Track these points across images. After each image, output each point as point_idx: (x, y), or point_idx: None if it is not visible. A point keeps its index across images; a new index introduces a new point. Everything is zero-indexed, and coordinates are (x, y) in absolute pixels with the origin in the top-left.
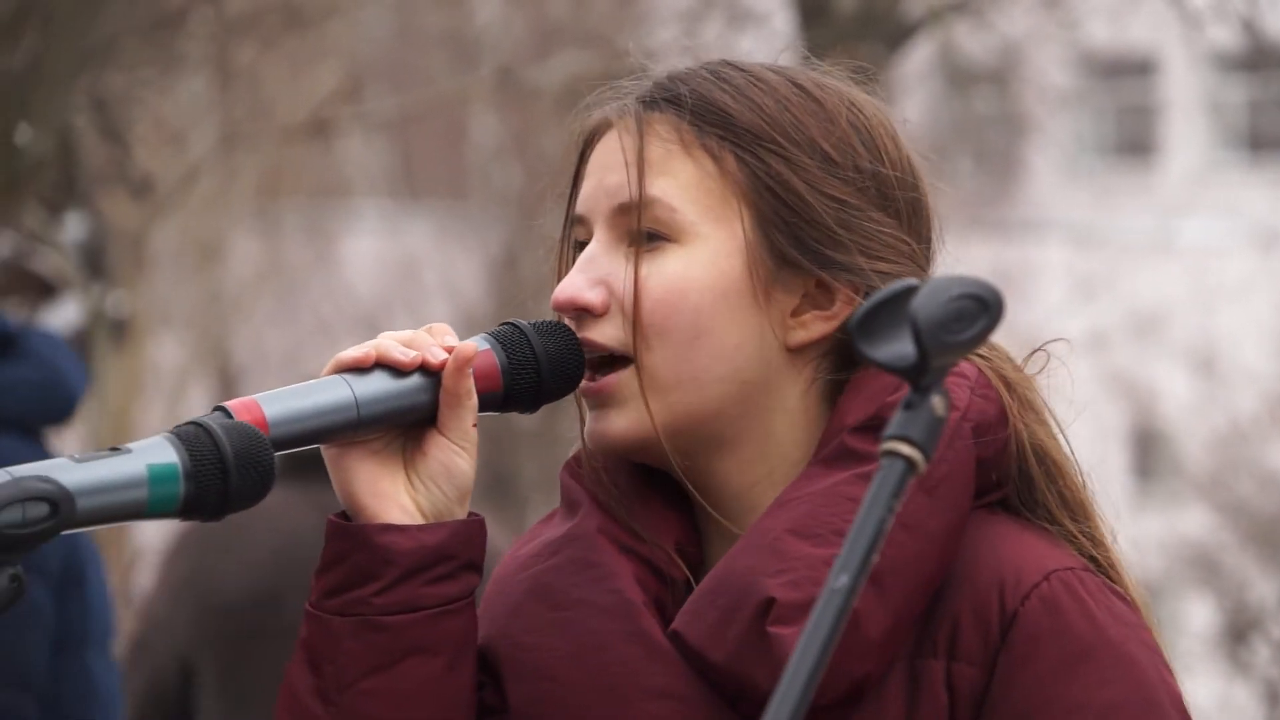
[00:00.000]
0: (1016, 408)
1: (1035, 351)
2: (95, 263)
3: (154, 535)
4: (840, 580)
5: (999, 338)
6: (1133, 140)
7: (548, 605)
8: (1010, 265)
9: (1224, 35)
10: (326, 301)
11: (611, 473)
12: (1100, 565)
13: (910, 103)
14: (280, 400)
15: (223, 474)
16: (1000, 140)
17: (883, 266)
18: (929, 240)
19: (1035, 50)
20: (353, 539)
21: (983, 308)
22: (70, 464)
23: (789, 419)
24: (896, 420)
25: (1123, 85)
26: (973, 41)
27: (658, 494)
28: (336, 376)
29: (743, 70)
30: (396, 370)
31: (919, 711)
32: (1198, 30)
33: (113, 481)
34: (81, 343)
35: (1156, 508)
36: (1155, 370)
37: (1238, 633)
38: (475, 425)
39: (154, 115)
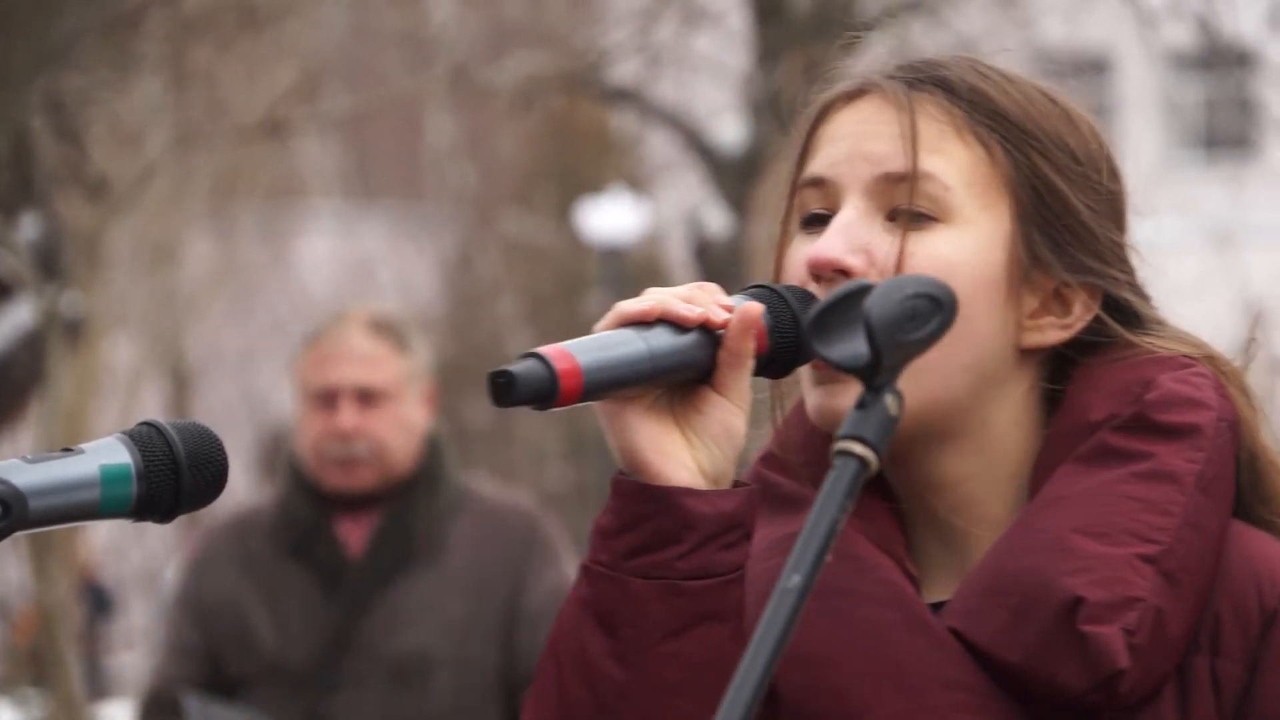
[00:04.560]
0: (1244, 405)
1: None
2: (50, 264)
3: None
4: (793, 580)
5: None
6: None
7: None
8: None
9: (1179, 34)
10: (281, 301)
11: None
12: None
13: None
14: (589, 351)
15: (175, 474)
16: None
17: (1123, 276)
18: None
19: (990, 49)
20: (657, 501)
21: (936, 307)
22: (23, 465)
23: (1010, 418)
24: (849, 420)
25: (1078, 84)
26: (928, 40)
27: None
28: (627, 330)
29: (992, 66)
30: (677, 326)
31: (1192, 709)
32: (1153, 29)
33: (65, 482)
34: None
35: None
36: None
37: None
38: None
39: (110, 116)
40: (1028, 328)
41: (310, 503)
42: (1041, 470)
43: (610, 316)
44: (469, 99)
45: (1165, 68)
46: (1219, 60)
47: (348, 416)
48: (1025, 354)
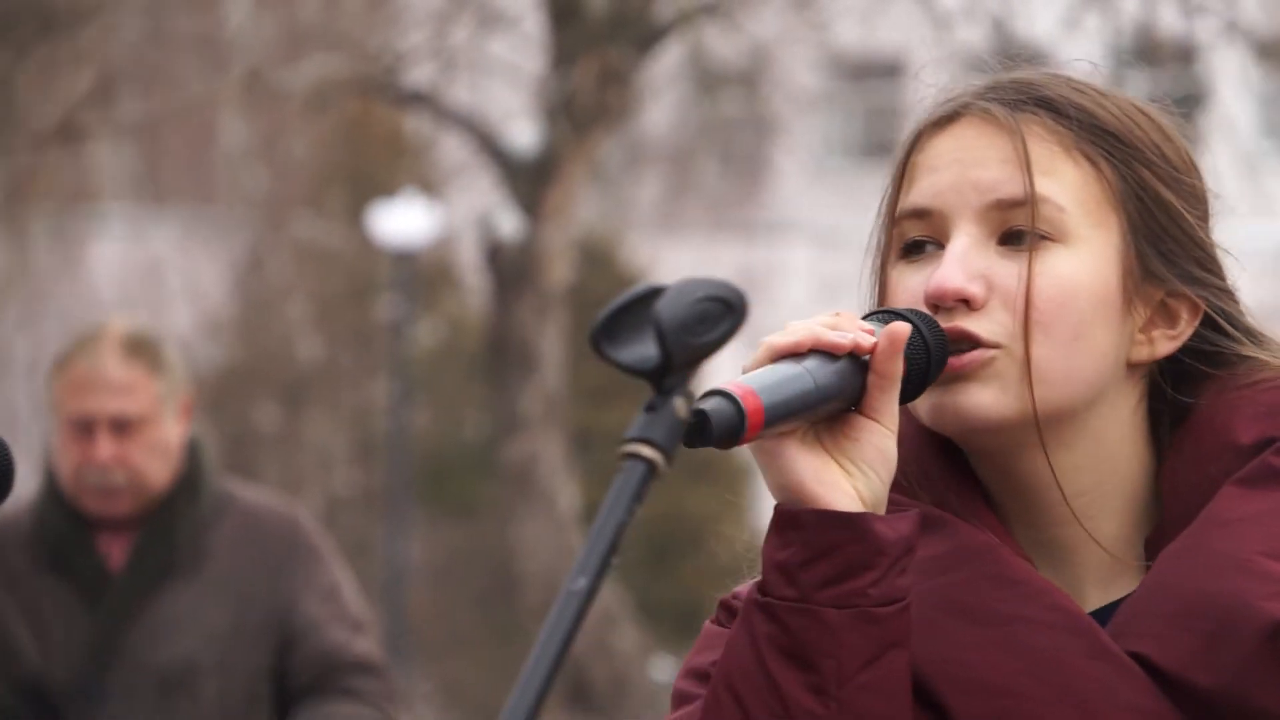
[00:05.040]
0: None
1: None
2: None
3: None
4: (578, 583)
5: (742, 340)
6: (880, 142)
7: (971, 621)
8: (755, 266)
9: (974, 36)
10: (72, 306)
11: (941, 477)
12: None
13: (659, 105)
14: (766, 386)
15: None
16: (747, 142)
17: (1224, 284)
18: None
19: (784, 52)
20: (850, 529)
21: (727, 309)
22: None
23: (1121, 434)
24: (638, 423)
25: (871, 87)
26: (723, 43)
27: (981, 499)
28: (786, 363)
29: (1085, 80)
30: (828, 355)
31: None
32: (948, 31)
33: None
34: None
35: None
36: None
37: None
38: None
39: None
40: (1138, 341)
41: (68, 519)
42: (1178, 490)
43: (761, 353)
44: (263, 102)
45: (959, 70)
46: (1013, 63)
47: (105, 447)
48: (1133, 367)
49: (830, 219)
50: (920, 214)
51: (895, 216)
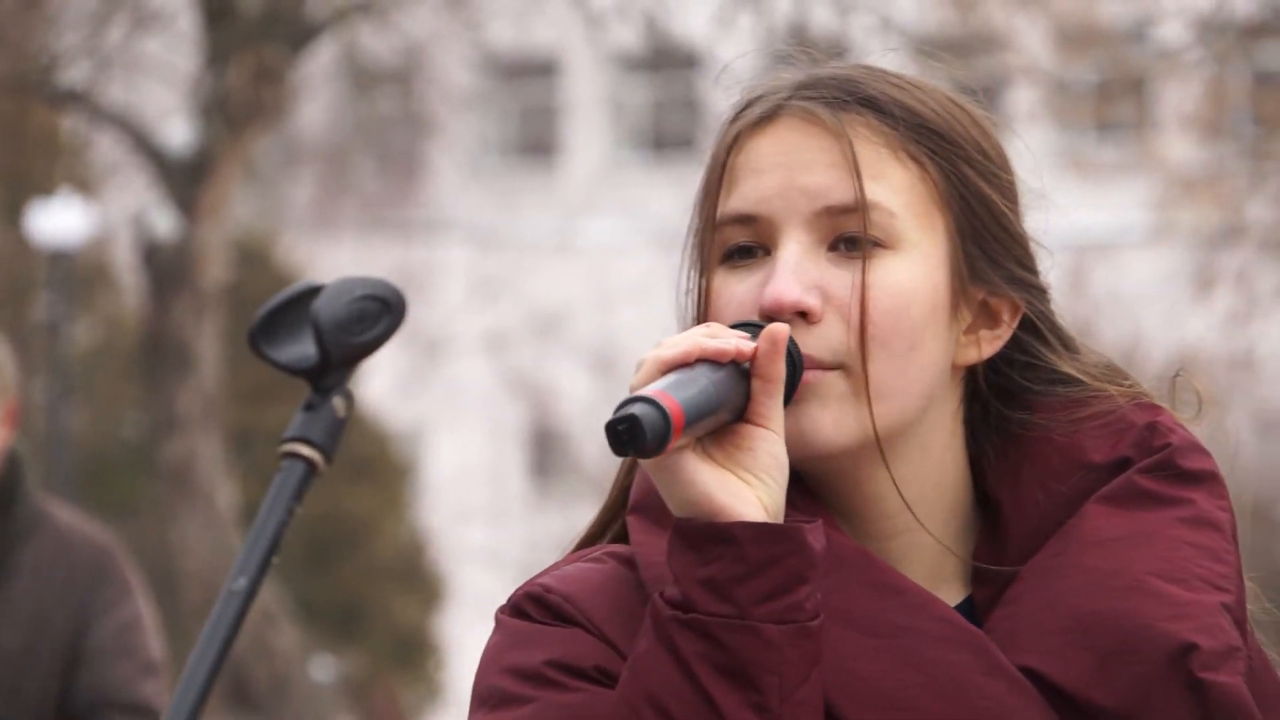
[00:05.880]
0: None
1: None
2: None
3: None
4: (239, 582)
5: (400, 339)
6: (536, 141)
7: (858, 630)
8: (413, 266)
9: (628, 35)
10: None
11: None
12: None
13: (313, 104)
14: (679, 392)
15: None
16: (403, 141)
17: (1040, 282)
18: None
19: (439, 51)
20: (788, 542)
21: (385, 308)
22: None
23: (942, 439)
24: (297, 422)
25: (526, 86)
26: (377, 42)
27: (825, 507)
28: (681, 372)
29: (900, 74)
30: (714, 364)
31: None
32: (601, 30)
33: None
34: None
35: (555, 507)
36: (555, 370)
37: None
38: None
39: None
40: (964, 343)
41: None
42: (1021, 503)
43: (650, 367)
44: None
45: (613, 69)
46: (666, 61)
47: None
48: (955, 370)
49: (487, 218)
50: (744, 219)
51: (716, 221)
